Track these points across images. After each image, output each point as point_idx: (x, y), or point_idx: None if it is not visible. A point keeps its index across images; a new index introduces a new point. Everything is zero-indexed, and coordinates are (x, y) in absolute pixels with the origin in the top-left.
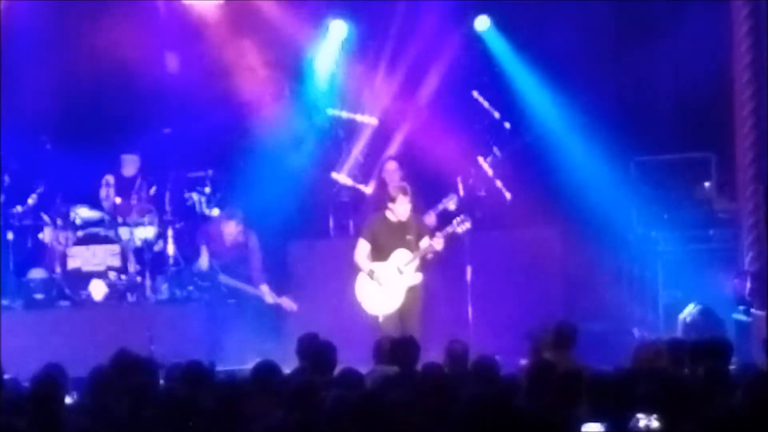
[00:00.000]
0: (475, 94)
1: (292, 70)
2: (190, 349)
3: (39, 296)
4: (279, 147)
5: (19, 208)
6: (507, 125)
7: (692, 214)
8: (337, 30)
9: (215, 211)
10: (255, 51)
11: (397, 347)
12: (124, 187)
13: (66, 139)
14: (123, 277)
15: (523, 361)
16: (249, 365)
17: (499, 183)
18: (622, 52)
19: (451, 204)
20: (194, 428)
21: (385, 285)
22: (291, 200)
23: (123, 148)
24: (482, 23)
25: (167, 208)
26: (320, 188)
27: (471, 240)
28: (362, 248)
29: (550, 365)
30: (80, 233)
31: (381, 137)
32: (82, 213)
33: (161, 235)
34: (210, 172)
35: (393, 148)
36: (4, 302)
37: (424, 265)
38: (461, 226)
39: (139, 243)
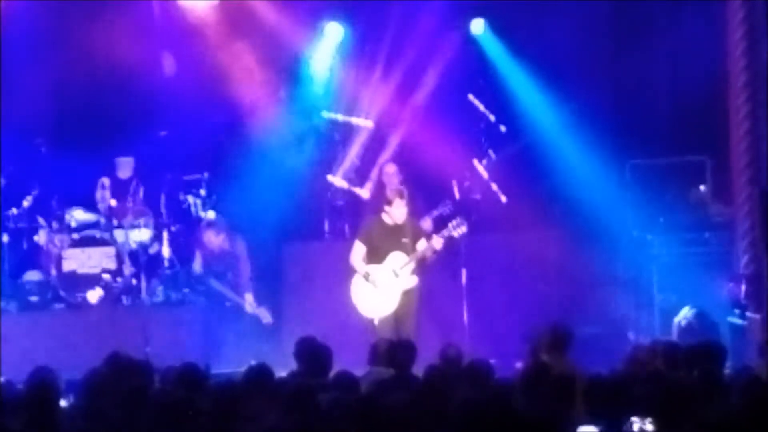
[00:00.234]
0: (471, 97)
1: (287, 72)
2: (186, 352)
3: (34, 298)
4: (274, 149)
5: (14, 211)
6: (502, 128)
7: (687, 217)
8: (333, 32)
9: (210, 214)
10: (251, 53)
11: (394, 350)
12: (119, 189)
13: (61, 142)
14: (118, 279)
15: (519, 364)
16: (245, 368)
17: (494, 186)
18: (617, 55)
19: (446, 211)
20: (190, 431)
21: (380, 288)
22: (286, 203)
23: (118, 150)
24: (478, 26)
25: (162, 210)
26: (316, 191)
27: (466, 243)
28: (358, 251)
29: (545, 367)
30: (75, 236)
31: (377, 140)
32: (78, 215)
33: (156, 238)
34: (205, 174)
35: (388, 151)
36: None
37: (420, 268)
38: (457, 229)
39: (134, 245)
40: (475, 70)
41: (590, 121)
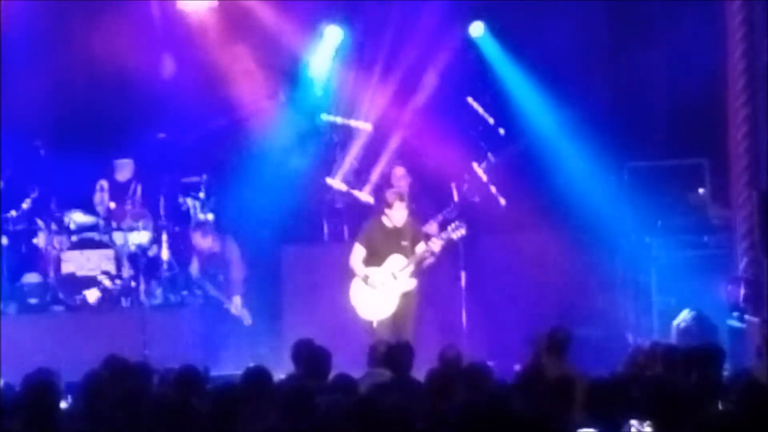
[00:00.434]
0: (470, 100)
1: (286, 75)
2: (184, 354)
3: (33, 301)
4: (274, 152)
5: (13, 213)
6: (501, 131)
7: (686, 220)
8: (332, 35)
9: (209, 216)
10: (250, 56)
11: (393, 352)
12: (118, 192)
13: (60, 144)
14: (117, 281)
15: (518, 367)
16: (243, 370)
17: (493, 189)
18: (616, 58)
19: (452, 215)
20: None
21: (379, 290)
22: (285, 205)
23: (117, 152)
24: (477, 29)
25: (161, 212)
26: (315, 193)
27: (465, 246)
28: (358, 253)
29: (540, 370)
30: (74, 238)
31: (375, 143)
32: (77, 218)
33: (155, 240)
34: (204, 176)
35: (387, 154)
36: None
37: (419, 271)
38: (456, 232)
39: (133, 248)
40: (473, 73)
41: (589, 123)
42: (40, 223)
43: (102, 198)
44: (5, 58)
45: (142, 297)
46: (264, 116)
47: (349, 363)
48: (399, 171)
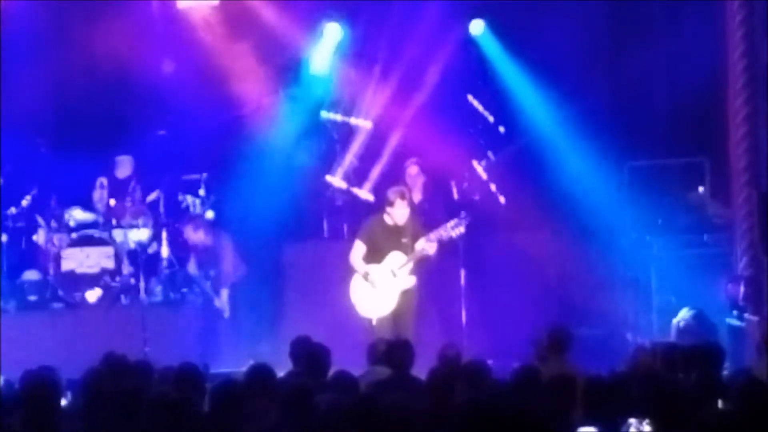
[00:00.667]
0: (470, 98)
1: (287, 72)
2: (184, 352)
3: (33, 298)
4: (274, 150)
5: (13, 210)
6: (501, 129)
7: (686, 218)
8: (332, 33)
9: (209, 214)
10: (250, 54)
11: (393, 350)
12: (118, 189)
13: (60, 141)
14: (117, 279)
15: (517, 365)
16: (243, 368)
17: (493, 187)
18: (616, 57)
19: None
20: (188, 431)
21: (378, 287)
22: (285, 203)
23: (117, 150)
24: (477, 27)
25: (161, 210)
26: (315, 191)
27: (465, 244)
28: (358, 250)
29: (536, 370)
30: (74, 235)
31: (375, 140)
32: (76, 215)
33: (155, 238)
34: (204, 174)
35: (388, 152)
36: None
37: (419, 269)
38: (455, 230)
39: (133, 245)
40: (474, 71)
41: (589, 122)
42: (39, 220)
43: (102, 195)
44: (5, 55)
45: (142, 294)
46: (264, 114)
47: (349, 360)
48: (413, 169)
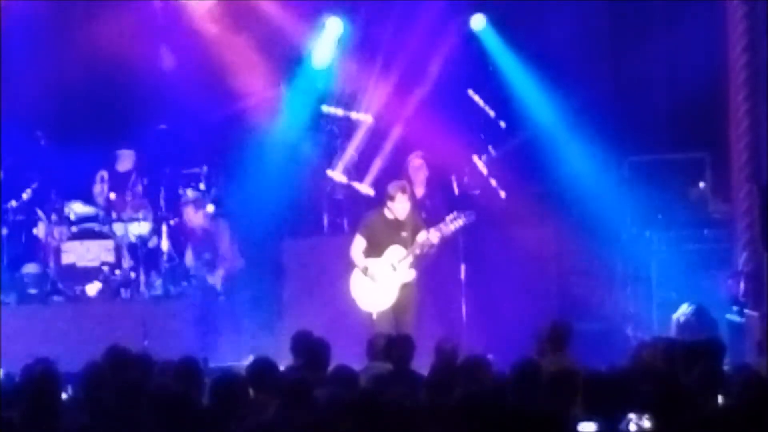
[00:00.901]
0: (471, 92)
1: (288, 67)
2: (184, 345)
3: (33, 291)
4: (274, 144)
5: (13, 203)
6: (502, 124)
7: (686, 214)
8: (334, 27)
9: (209, 208)
10: (251, 48)
11: (392, 345)
12: (118, 182)
13: (61, 135)
14: (117, 272)
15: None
16: (242, 362)
17: (493, 182)
18: (617, 51)
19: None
20: (187, 424)
21: (378, 281)
22: (286, 197)
23: (118, 143)
24: (478, 22)
25: (162, 204)
26: (315, 185)
27: (465, 238)
28: (358, 244)
29: (536, 364)
30: (74, 228)
31: (376, 135)
32: (77, 208)
33: (155, 231)
34: (205, 168)
35: (389, 146)
36: None
37: (419, 263)
38: (454, 223)
39: (133, 239)
40: (474, 66)
41: (590, 117)
42: (40, 213)
43: (102, 189)
44: (6, 48)
45: (142, 288)
46: (265, 108)
47: (349, 355)
48: (416, 162)
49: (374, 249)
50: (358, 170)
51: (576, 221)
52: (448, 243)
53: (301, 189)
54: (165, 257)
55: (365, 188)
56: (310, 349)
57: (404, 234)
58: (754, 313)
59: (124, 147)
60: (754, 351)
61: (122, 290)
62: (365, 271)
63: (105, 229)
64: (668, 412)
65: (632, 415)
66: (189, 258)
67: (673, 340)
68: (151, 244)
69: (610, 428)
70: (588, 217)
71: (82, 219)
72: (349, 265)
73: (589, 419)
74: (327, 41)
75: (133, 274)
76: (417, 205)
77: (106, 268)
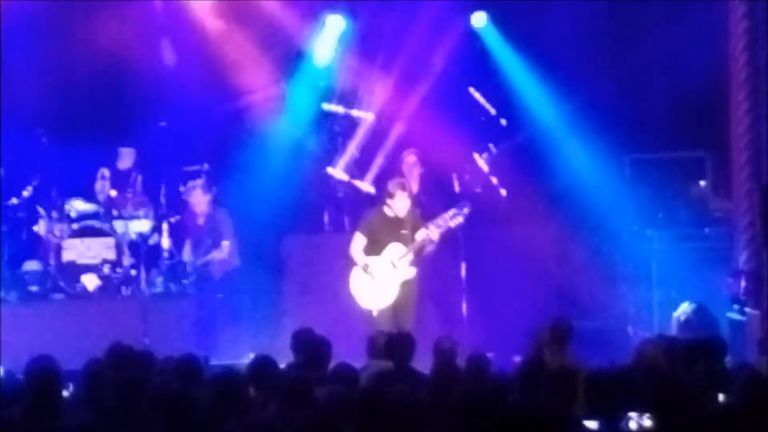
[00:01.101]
0: (472, 90)
1: (288, 64)
2: (184, 343)
3: (33, 288)
4: (275, 141)
5: (14, 200)
6: (503, 122)
7: (687, 212)
8: (335, 25)
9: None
10: (251, 45)
11: (393, 342)
12: (119, 180)
13: (62, 132)
14: (118, 270)
15: (518, 358)
16: (243, 359)
17: (494, 180)
18: (618, 49)
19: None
20: (188, 422)
21: (378, 279)
22: (287, 195)
23: (119, 141)
24: (479, 19)
25: (162, 201)
26: (316, 183)
27: (466, 236)
28: (358, 242)
29: (540, 362)
30: (75, 226)
31: (377, 133)
32: (78, 206)
33: (156, 229)
34: (205, 165)
35: (389, 144)
36: None
37: (419, 260)
38: (454, 219)
39: (134, 236)
40: (476, 64)
41: (591, 115)
42: (40, 210)
43: (103, 186)
44: (6, 46)
45: (143, 285)
46: (266, 106)
47: (349, 352)
48: (411, 158)
49: (374, 247)
50: (359, 168)
51: (577, 219)
52: (448, 241)
53: (302, 187)
54: (166, 255)
55: (366, 186)
56: (310, 347)
57: (404, 231)
58: (755, 312)
59: (125, 144)
60: (755, 349)
61: (123, 288)
62: (365, 268)
63: (106, 226)
64: (669, 411)
65: (633, 414)
66: (187, 251)
67: (673, 339)
68: (152, 241)
69: (610, 427)
70: (589, 216)
71: (83, 216)
72: (350, 263)
73: (590, 417)
74: (328, 39)
75: (133, 272)
76: (415, 202)
77: (106, 266)
